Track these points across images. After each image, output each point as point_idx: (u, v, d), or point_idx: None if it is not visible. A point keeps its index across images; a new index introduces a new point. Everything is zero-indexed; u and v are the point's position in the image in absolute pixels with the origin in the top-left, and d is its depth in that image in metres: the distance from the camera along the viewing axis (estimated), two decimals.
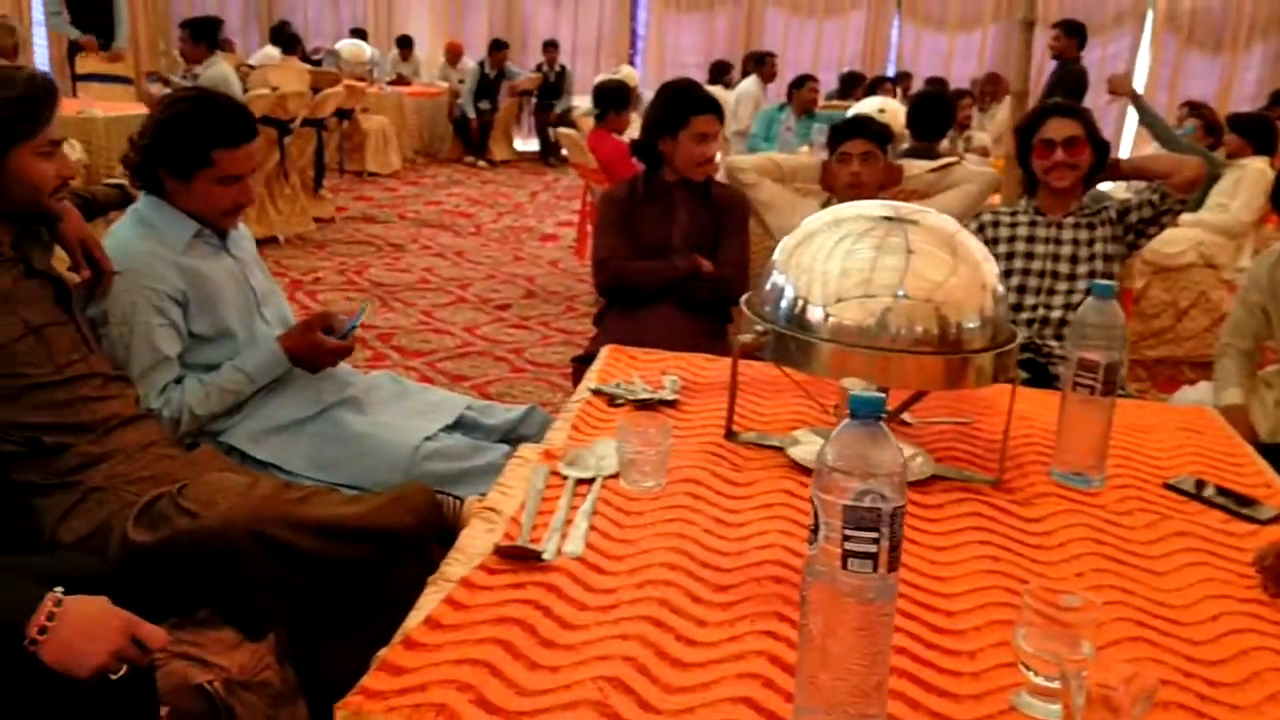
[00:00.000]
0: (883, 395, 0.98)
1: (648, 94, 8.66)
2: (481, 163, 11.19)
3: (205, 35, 6.37)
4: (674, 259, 2.87)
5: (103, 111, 5.88)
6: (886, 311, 1.49)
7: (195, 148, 1.98)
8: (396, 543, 1.73)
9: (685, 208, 2.92)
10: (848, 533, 0.93)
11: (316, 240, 6.92)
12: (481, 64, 11.22)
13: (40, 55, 10.60)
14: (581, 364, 2.73)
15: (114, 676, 1.31)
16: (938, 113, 4.71)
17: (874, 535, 0.92)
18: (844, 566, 0.93)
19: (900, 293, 1.50)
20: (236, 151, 2.02)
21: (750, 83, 9.09)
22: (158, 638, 1.35)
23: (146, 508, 1.68)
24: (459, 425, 2.18)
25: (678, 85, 3.06)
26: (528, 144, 12.25)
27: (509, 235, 7.56)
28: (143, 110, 6.80)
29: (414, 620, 1.16)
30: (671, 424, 1.58)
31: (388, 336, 4.87)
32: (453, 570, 1.28)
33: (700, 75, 9.56)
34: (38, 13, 10.57)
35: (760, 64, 9.29)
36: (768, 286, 1.61)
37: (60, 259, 1.92)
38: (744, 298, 1.70)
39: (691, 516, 1.45)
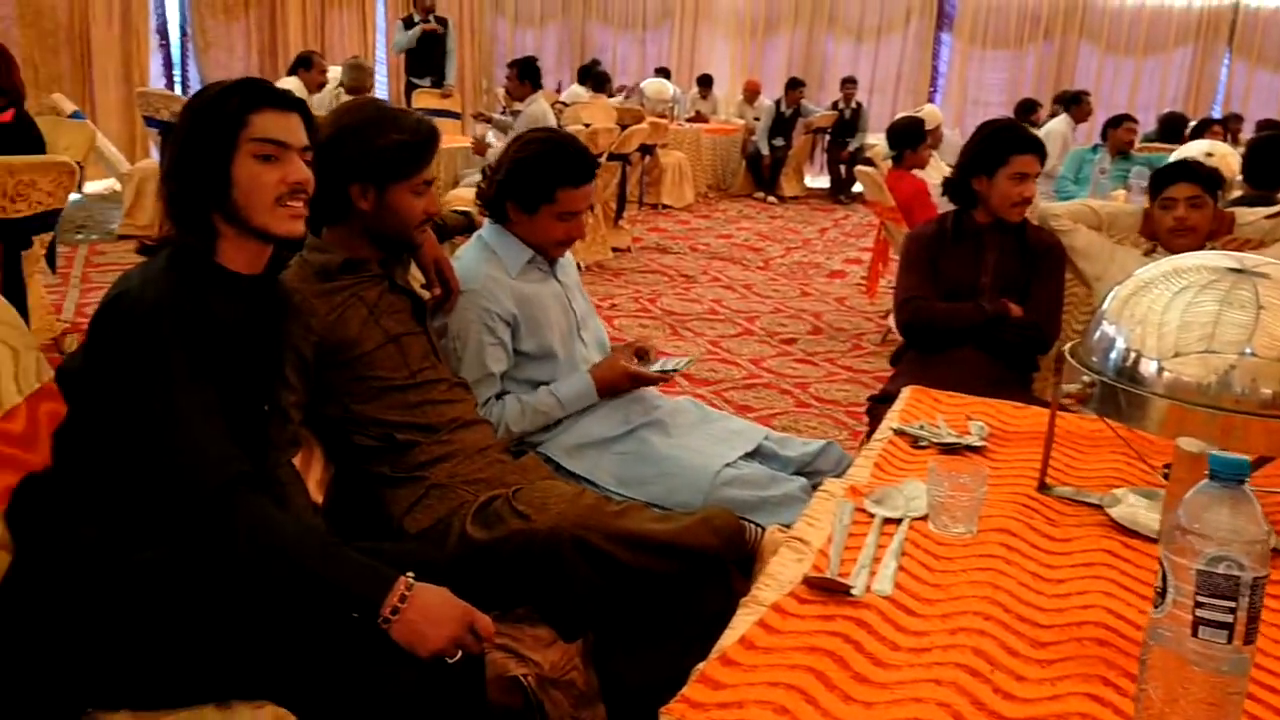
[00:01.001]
0: (1247, 459, 0.92)
1: (950, 133, 8.50)
2: (772, 198, 11.32)
3: (529, 74, 6.83)
4: (981, 301, 2.80)
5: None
6: (1231, 369, 1.39)
7: (543, 184, 2.16)
8: (701, 562, 1.79)
9: (996, 249, 2.84)
10: (1200, 599, 0.88)
11: (613, 268, 7.24)
12: (778, 102, 11.37)
13: (380, 93, 11.74)
14: (878, 403, 2.71)
15: (450, 661, 1.43)
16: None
17: (1230, 604, 0.88)
18: (1194, 634, 0.89)
19: (1247, 350, 1.40)
20: (578, 191, 2.18)
21: (1060, 122, 8.68)
22: (490, 629, 1.47)
23: (483, 507, 1.83)
24: (757, 454, 2.22)
25: (998, 123, 2.98)
26: (818, 180, 12.27)
27: (797, 270, 7.60)
28: (467, 143, 7.40)
29: (729, 639, 1.20)
30: (987, 471, 1.54)
31: None
32: (764, 595, 1.31)
33: (1003, 114, 9.24)
34: (380, 52, 11.74)
35: (1074, 103, 8.84)
36: (1096, 336, 1.55)
37: (415, 276, 2.14)
38: (1068, 346, 1.63)
39: (1005, 568, 1.41)
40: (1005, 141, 2.79)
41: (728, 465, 2.13)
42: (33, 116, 4.32)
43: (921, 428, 1.94)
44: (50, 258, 4.27)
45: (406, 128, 1.90)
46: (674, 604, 1.77)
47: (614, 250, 7.60)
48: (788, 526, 1.98)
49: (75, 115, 6.51)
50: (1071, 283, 3.10)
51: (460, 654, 1.44)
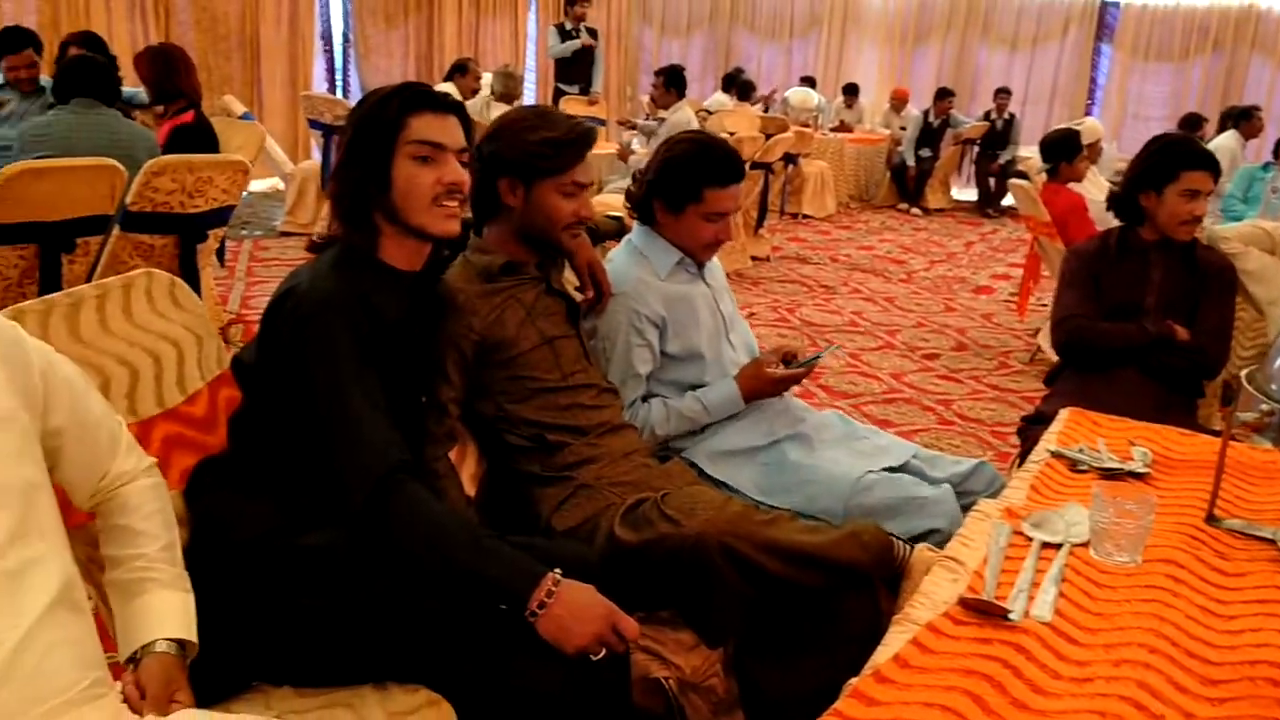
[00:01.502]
0: None
1: (1108, 147, 8.17)
2: (916, 210, 11.09)
3: (676, 83, 6.88)
4: (1145, 322, 2.68)
5: None
6: None
7: (690, 184, 2.18)
8: (847, 576, 1.77)
9: (1162, 269, 2.72)
10: None
11: (752, 277, 7.22)
12: (926, 112, 11.14)
13: (529, 99, 12.00)
14: (1031, 424, 2.63)
15: (594, 658, 1.45)
16: None
17: None
18: None
19: None
20: (725, 191, 2.19)
21: (1228, 138, 8.25)
22: (634, 629, 1.48)
23: (631, 509, 1.85)
24: (904, 470, 2.19)
25: (1170, 138, 2.85)
26: (965, 193, 11.97)
27: (940, 285, 7.43)
28: (612, 149, 7.50)
29: (883, 655, 1.19)
30: (1155, 499, 1.48)
31: (816, 375, 4.96)
32: (918, 613, 1.29)
33: (1165, 128, 8.83)
34: (530, 60, 12.00)
35: (1244, 118, 8.39)
36: (1277, 363, 1.48)
37: (569, 280, 2.18)
38: (1244, 373, 1.56)
39: (1172, 600, 1.35)
40: (1177, 156, 2.66)
41: (869, 472, 2.11)
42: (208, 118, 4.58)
43: (1081, 451, 1.88)
44: (219, 252, 4.52)
45: (559, 127, 1.94)
46: (818, 617, 1.76)
47: (753, 259, 7.58)
48: (931, 539, 1.95)
49: (245, 116, 6.86)
50: (1240, 306, 2.95)
51: (605, 652, 1.46)
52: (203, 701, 1.33)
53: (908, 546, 1.86)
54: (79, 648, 1.17)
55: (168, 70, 4.24)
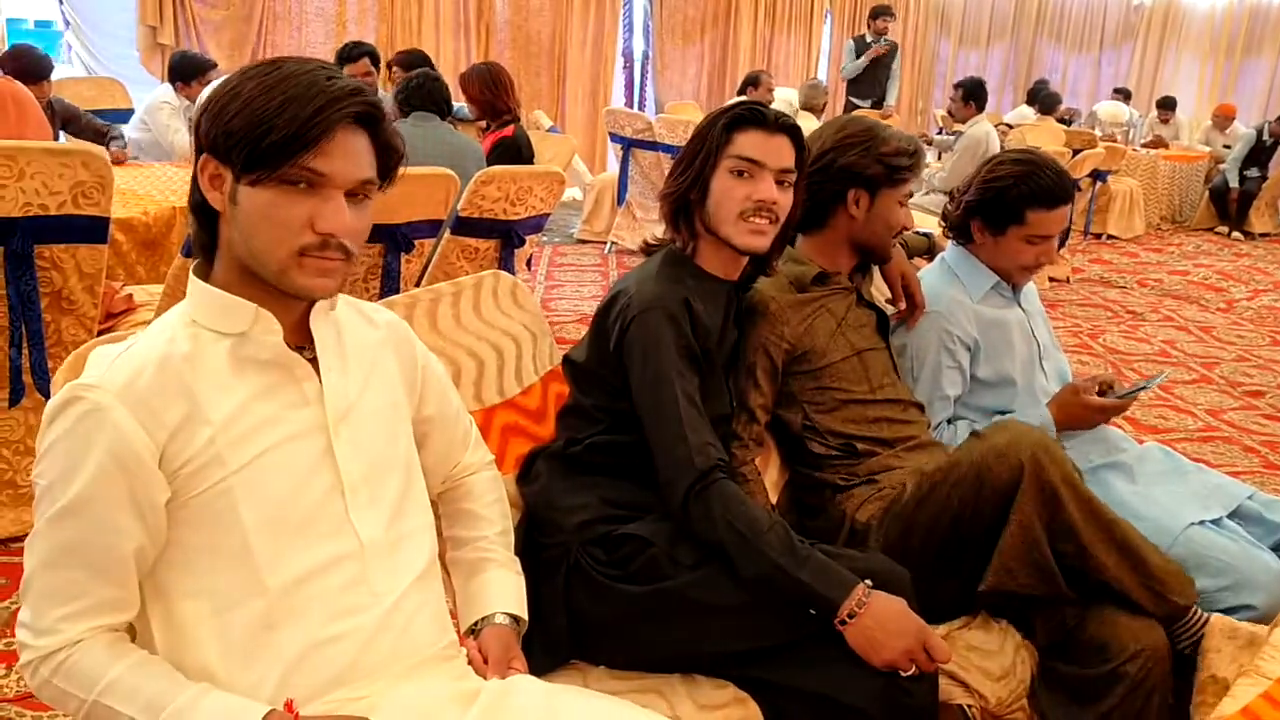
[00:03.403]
0: None
1: None
2: (1237, 234, 10.15)
3: (975, 96, 6.66)
4: None
5: None
6: None
7: (1014, 205, 2.12)
8: (1154, 607, 1.68)
9: None
10: None
11: (1049, 300, 6.86)
12: (1259, 129, 10.17)
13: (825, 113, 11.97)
14: None
15: (903, 674, 1.45)
16: None
17: None
18: None
19: None
20: (1051, 213, 2.11)
21: None
22: (944, 652, 1.47)
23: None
24: (1237, 514, 2.02)
25: None
26: None
27: (1267, 315, 6.77)
28: None
29: (1229, 707, 1.12)
30: None
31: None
32: (1269, 668, 1.20)
33: None
34: (821, 73, 11.97)
35: None
36: None
37: (877, 292, 2.18)
38: None
39: None
40: None
41: (1195, 524, 1.96)
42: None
43: None
44: (528, 257, 4.81)
45: (903, 140, 1.99)
46: (1107, 652, 1.68)
47: (1050, 280, 7.20)
48: (1240, 614, 1.79)
49: (552, 129, 7.27)
50: None
51: (914, 668, 1.45)
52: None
53: (1205, 616, 1.73)
54: (438, 613, 1.31)
55: (496, 90, 4.56)
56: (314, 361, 1.23)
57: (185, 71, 5.50)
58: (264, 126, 1.10)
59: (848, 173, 1.96)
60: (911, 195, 2.01)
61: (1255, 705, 1.12)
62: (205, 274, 1.22)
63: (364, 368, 1.30)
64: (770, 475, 2.02)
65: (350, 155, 1.16)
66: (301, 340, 1.24)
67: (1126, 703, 1.67)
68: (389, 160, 1.22)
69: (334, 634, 1.17)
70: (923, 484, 1.79)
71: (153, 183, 4.26)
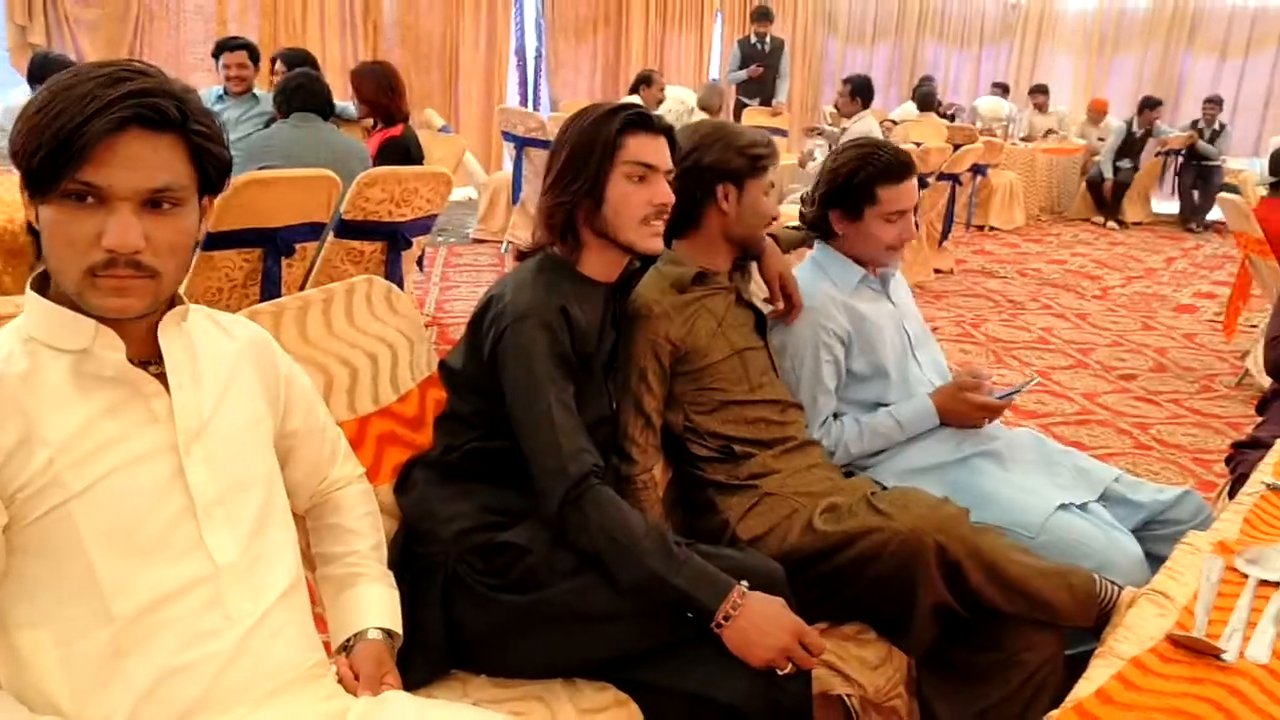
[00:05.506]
0: None
1: None
2: (1111, 224, 10.57)
3: (862, 92, 6.80)
4: None
5: None
6: None
7: (863, 187, 2.18)
8: (1044, 613, 1.72)
9: None
10: None
11: (934, 290, 7.04)
12: (1129, 122, 10.60)
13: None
14: (1240, 448, 2.48)
15: (780, 672, 1.47)
16: None
17: None
18: None
19: None
20: (899, 186, 2.19)
21: None
22: (820, 645, 1.49)
23: (834, 505, 1.85)
24: (1104, 497, 2.10)
25: None
26: (1165, 206, 11.33)
27: (1138, 302, 7.06)
28: (794, 158, 7.47)
29: (1085, 689, 1.16)
30: None
31: None
32: (1122, 648, 1.25)
33: None
34: (713, 72, 12.08)
35: None
36: None
37: (755, 291, 2.20)
38: None
39: None
40: None
41: (1062, 507, 2.03)
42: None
43: None
44: (419, 258, 4.74)
45: (754, 133, 2.06)
46: (998, 642, 1.72)
47: (935, 272, 7.40)
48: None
49: (444, 129, 7.18)
50: None
51: (791, 666, 1.47)
52: (404, 687, 1.41)
53: (1116, 588, 1.79)
54: (303, 632, 1.28)
55: (391, 94, 4.48)
56: (163, 377, 1.19)
57: (47, 73, 5.27)
58: (35, 142, 1.05)
59: (713, 170, 1.98)
60: (774, 185, 2.05)
61: (1109, 687, 1.16)
62: (45, 288, 1.16)
63: (220, 382, 1.25)
64: (654, 472, 2.02)
65: (134, 163, 1.08)
66: (151, 355, 1.19)
67: (1020, 691, 1.72)
68: (206, 161, 1.14)
69: (187, 661, 1.13)
70: (817, 543, 1.82)
71: (16, 189, 4.07)
